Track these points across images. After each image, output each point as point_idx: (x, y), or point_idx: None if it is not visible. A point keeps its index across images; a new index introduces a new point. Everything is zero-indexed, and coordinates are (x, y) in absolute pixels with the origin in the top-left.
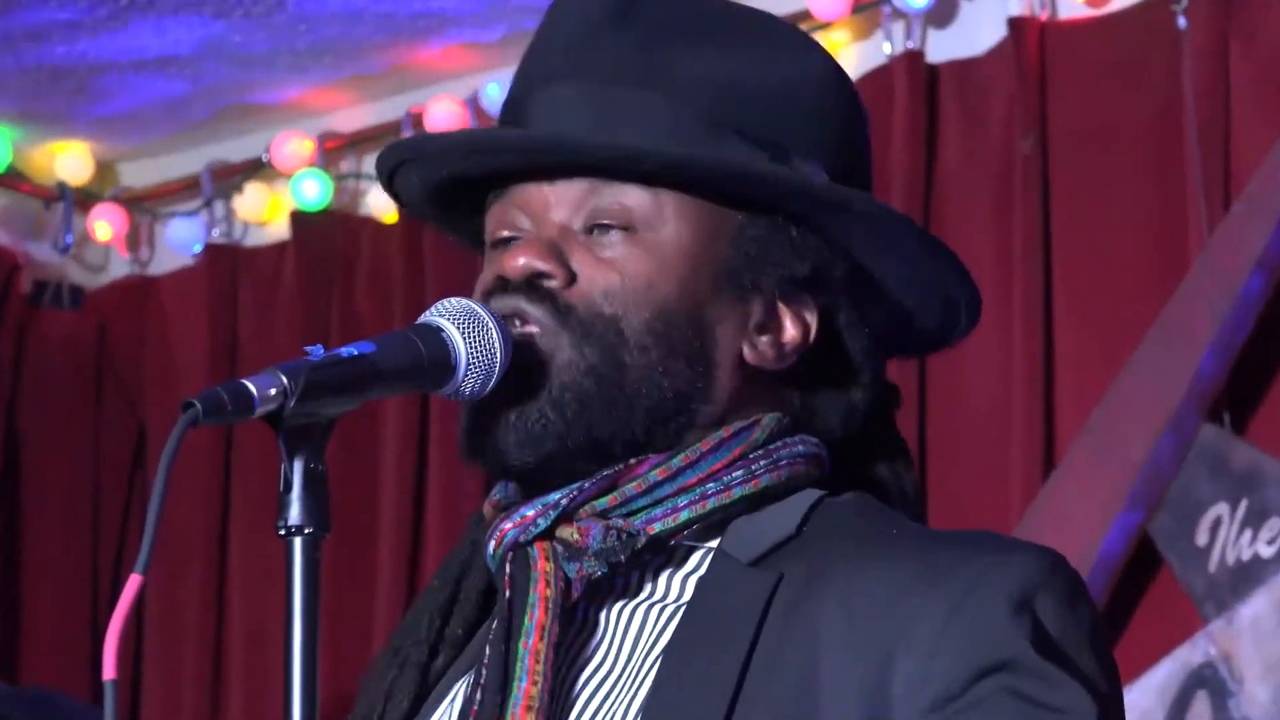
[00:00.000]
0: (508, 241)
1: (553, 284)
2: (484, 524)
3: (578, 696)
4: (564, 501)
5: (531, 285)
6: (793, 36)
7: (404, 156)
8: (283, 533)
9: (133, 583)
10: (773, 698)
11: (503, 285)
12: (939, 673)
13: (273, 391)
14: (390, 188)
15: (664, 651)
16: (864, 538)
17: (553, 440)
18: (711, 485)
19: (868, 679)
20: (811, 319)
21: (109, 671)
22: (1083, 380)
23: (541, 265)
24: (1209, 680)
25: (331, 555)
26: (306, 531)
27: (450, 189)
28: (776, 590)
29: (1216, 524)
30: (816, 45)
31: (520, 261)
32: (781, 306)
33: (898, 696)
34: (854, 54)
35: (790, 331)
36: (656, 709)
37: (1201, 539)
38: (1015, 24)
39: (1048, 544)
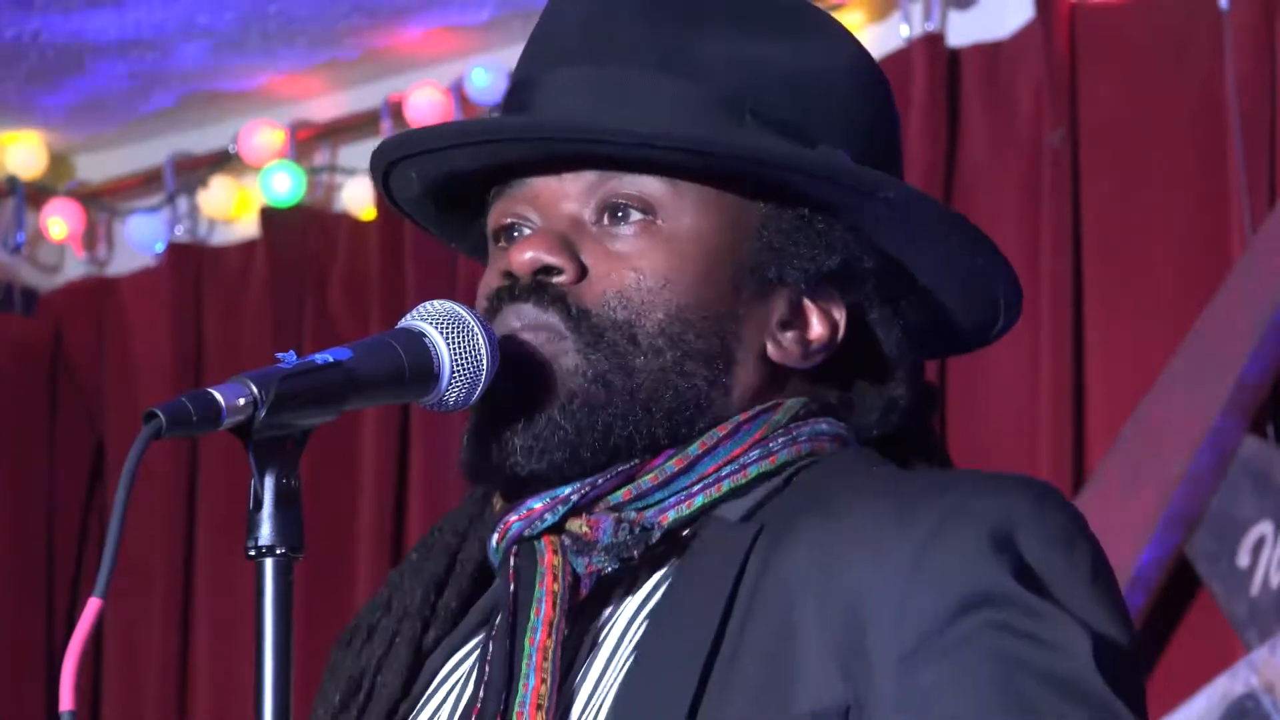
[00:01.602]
0: (511, 231)
1: (562, 279)
2: (487, 502)
3: (578, 689)
4: (574, 497)
5: (541, 286)
6: (819, 20)
7: (406, 152)
8: (253, 554)
9: (92, 607)
10: (751, 651)
11: (510, 285)
12: (915, 612)
13: (242, 401)
14: (384, 188)
15: (649, 616)
16: (846, 483)
17: (565, 448)
18: (727, 468)
19: (841, 626)
20: (840, 315)
21: (66, 702)
22: (1115, 390)
23: (550, 259)
24: (1251, 712)
25: (305, 578)
26: (279, 552)
27: (450, 188)
28: (755, 542)
29: (1259, 544)
30: (844, 30)
31: (527, 255)
32: (808, 303)
33: (874, 642)
34: (869, 37)
35: (817, 329)
36: (638, 675)
37: (1243, 560)
38: (1043, 4)
39: None
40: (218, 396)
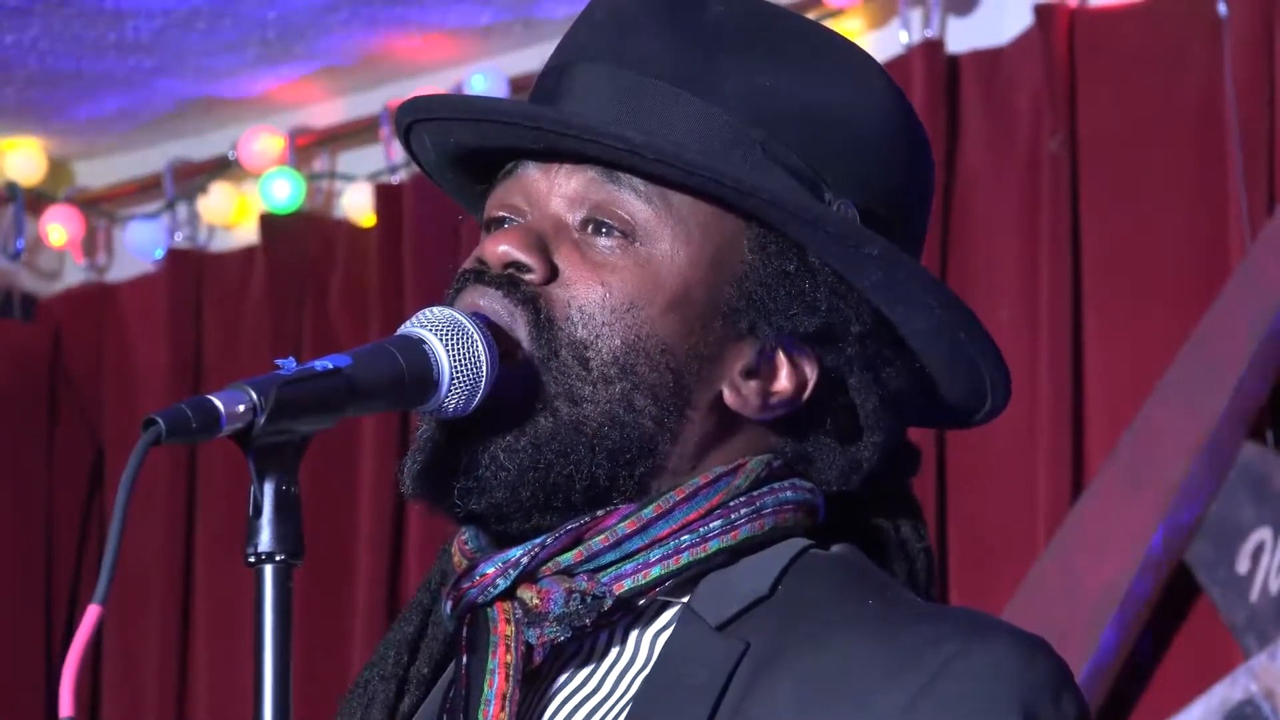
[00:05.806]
0: (503, 224)
1: (531, 277)
2: (453, 563)
3: None
4: (525, 560)
5: (512, 281)
6: (854, 58)
7: (416, 116)
8: (252, 560)
9: (91, 614)
10: None
11: (480, 272)
12: None
13: (241, 408)
14: (409, 148)
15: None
16: (836, 608)
17: (504, 489)
18: (686, 537)
19: None
20: (811, 373)
21: (66, 709)
22: (1114, 398)
23: (521, 257)
24: (1250, 719)
25: (305, 584)
26: (278, 559)
27: (465, 157)
28: (740, 663)
29: (1259, 550)
30: (880, 71)
31: (501, 249)
32: (779, 355)
33: None
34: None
35: (783, 383)
36: None
37: (1242, 567)
38: (1042, 11)
39: (1077, 574)
40: (217, 403)
